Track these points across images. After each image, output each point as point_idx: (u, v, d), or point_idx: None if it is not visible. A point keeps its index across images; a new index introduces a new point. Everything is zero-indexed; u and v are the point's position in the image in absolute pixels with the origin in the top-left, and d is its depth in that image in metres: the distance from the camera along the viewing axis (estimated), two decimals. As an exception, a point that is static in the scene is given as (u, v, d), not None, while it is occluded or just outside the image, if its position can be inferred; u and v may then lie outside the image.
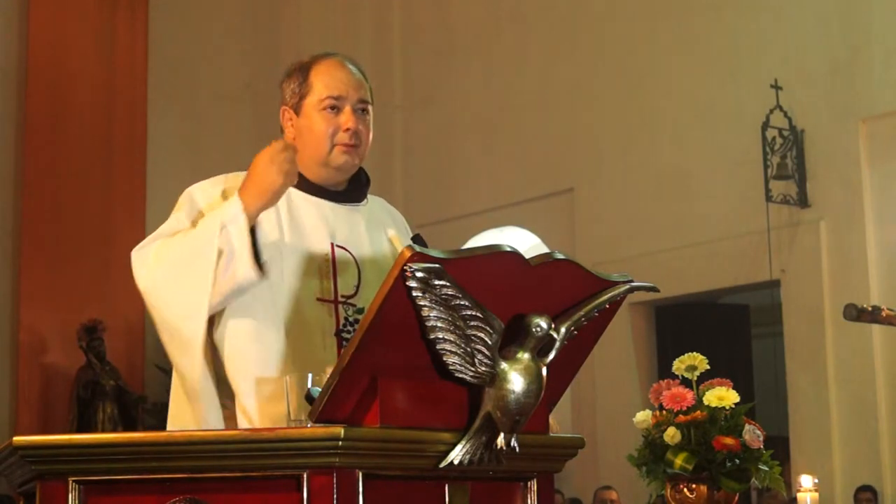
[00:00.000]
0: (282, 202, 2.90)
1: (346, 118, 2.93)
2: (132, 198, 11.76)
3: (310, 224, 2.93)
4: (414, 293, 2.13)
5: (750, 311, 10.93)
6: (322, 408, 2.20)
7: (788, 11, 9.76)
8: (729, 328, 10.56)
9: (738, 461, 3.04)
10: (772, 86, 9.57)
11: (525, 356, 2.23)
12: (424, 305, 2.15)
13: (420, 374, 2.24)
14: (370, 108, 2.99)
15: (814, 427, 9.38)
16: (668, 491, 3.09)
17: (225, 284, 2.71)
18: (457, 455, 2.24)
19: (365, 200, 3.07)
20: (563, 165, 11.00)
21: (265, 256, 2.77)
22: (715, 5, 10.22)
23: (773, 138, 9.57)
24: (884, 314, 3.13)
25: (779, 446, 4.86)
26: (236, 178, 2.91)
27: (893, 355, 9.08)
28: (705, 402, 3.08)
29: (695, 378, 3.15)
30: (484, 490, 2.36)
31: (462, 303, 2.17)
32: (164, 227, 2.85)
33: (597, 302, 2.38)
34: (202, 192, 2.91)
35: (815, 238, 9.52)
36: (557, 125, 11.09)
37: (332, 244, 2.93)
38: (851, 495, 8.99)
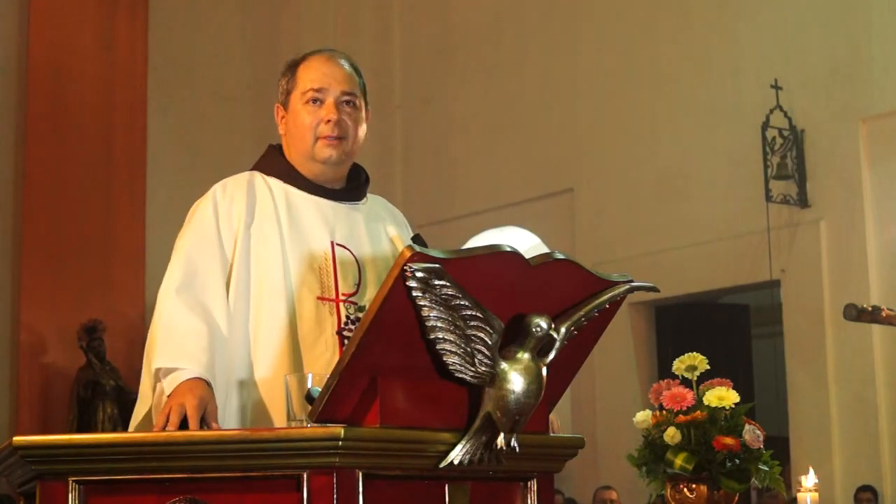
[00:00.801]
0: (281, 201, 2.91)
1: (328, 110, 2.92)
2: (132, 198, 11.76)
3: (309, 223, 2.92)
4: (414, 293, 2.13)
5: (750, 311, 10.92)
6: (322, 408, 2.20)
7: (788, 11, 9.75)
8: (729, 328, 10.55)
9: (738, 461, 3.04)
10: (772, 86, 9.56)
11: (525, 356, 2.23)
12: (424, 305, 2.15)
13: (420, 373, 2.23)
14: (359, 101, 2.97)
15: (814, 427, 9.37)
16: (668, 491, 3.09)
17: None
18: (457, 455, 2.24)
19: (364, 199, 3.07)
20: (563, 165, 10.99)
21: (265, 256, 2.78)
22: (715, 5, 10.21)
23: (773, 138, 9.56)
24: (884, 314, 3.13)
25: (779, 446, 4.85)
26: (236, 181, 2.93)
27: (893, 355, 9.06)
28: (705, 402, 3.07)
29: (695, 378, 3.15)
30: (484, 490, 2.36)
31: (462, 303, 2.17)
32: (189, 252, 2.83)
33: (597, 302, 2.38)
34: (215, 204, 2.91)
35: (815, 238, 9.51)
36: (557, 125, 11.07)
37: (332, 243, 2.92)
38: (851, 495, 8.98)
